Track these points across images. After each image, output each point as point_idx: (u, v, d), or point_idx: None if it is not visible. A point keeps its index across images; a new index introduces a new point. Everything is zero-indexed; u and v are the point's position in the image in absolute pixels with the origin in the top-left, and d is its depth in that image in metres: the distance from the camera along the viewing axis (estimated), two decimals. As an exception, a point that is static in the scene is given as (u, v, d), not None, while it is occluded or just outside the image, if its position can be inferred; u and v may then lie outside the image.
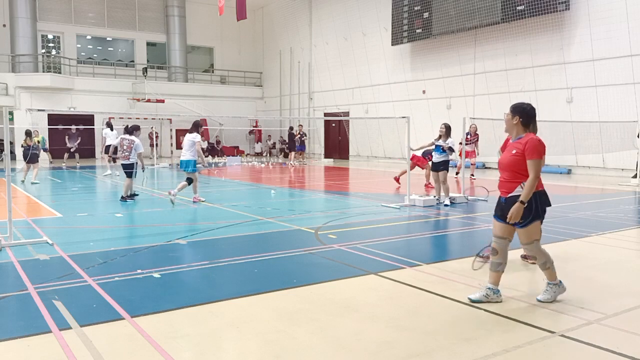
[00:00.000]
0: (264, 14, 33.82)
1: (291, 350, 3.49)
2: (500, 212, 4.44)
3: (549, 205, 4.41)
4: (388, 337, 3.70)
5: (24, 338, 3.65)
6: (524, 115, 4.39)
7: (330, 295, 4.65)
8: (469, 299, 4.45)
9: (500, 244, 4.44)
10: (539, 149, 4.24)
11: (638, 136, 14.73)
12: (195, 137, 10.55)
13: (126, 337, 3.67)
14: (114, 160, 17.97)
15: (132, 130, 11.09)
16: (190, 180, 10.51)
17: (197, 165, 10.62)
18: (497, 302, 4.41)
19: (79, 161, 22.81)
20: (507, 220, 4.30)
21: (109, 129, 17.98)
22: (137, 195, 11.40)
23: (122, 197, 10.96)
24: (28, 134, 15.22)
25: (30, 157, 14.56)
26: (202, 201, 10.72)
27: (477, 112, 19.50)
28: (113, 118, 27.28)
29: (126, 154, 10.90)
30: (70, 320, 3.95)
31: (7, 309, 4.32)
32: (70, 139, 22.42)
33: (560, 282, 4.50)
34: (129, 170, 10.87)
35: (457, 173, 15.18)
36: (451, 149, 10.28)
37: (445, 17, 21.18)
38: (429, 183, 13.30)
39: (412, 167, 14.14)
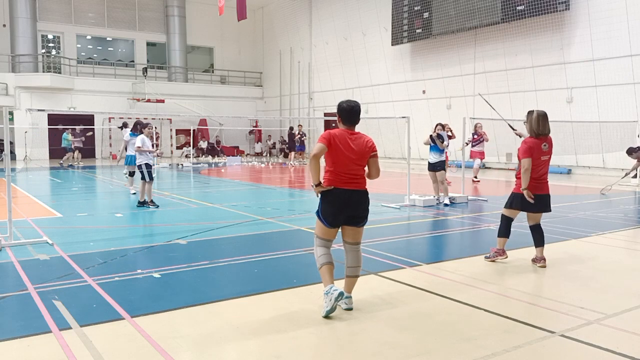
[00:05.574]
0: (264, 14, 33.81)
1: (291, 350, 3.49)
2: None
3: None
4: (388, 337, 3.70)
5: (24, 338, 3.65)
6: None
7: (330, 295, 4.64)
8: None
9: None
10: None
11: (638, 136, 14.72)
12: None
13: (126, 337, 3.67)
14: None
15: (140, 128, 10.36)
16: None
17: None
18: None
19: (81, 160, 22.99)
20: None
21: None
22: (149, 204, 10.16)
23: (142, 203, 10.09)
24: None
25: None
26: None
27: (477, 112, 19.47)
28: (113, 118, 27.34)
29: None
30: (70, 320, 3.95)
31: (7, 309, 4.32)
32: (75, 137, 22.82)
33: (330, 289, 4.07)
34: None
35: (475, 177, 15.20)
36: (439, 136, 10.34)
37: (445, 17, 21.18)
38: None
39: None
